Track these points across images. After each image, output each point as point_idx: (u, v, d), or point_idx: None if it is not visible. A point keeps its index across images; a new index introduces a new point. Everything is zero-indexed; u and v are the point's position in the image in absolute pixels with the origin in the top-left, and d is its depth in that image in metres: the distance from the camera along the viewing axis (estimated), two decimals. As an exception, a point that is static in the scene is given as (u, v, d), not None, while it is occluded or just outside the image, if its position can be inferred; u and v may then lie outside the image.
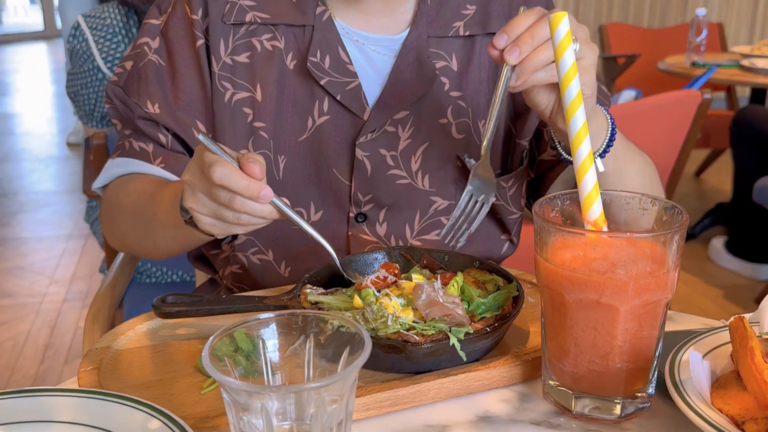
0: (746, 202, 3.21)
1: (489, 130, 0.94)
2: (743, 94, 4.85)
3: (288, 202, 0.86)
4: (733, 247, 3.45)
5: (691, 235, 3.77)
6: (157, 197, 1.03)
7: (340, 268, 0.92)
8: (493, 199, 0.97)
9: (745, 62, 3.66)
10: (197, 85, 1.10)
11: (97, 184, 1.16)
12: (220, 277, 1.21)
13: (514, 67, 0.87)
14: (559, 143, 1.03)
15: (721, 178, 4.58)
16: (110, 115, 1.16)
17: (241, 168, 0.81)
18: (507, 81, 0.88)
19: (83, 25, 2.26)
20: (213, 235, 0.93)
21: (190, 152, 1.13)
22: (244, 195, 0.81)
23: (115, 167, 1.14)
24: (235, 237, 1.14)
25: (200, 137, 0.82)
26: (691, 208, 4.13)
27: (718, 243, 3.53)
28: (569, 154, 0.97)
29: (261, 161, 0.82)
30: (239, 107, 1.08)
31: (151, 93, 1.10)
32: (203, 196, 0.84)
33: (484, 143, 0.95)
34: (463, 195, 0.97)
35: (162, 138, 1.11)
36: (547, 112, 0.94)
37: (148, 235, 1.08)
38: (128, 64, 1.13)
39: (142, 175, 1.11)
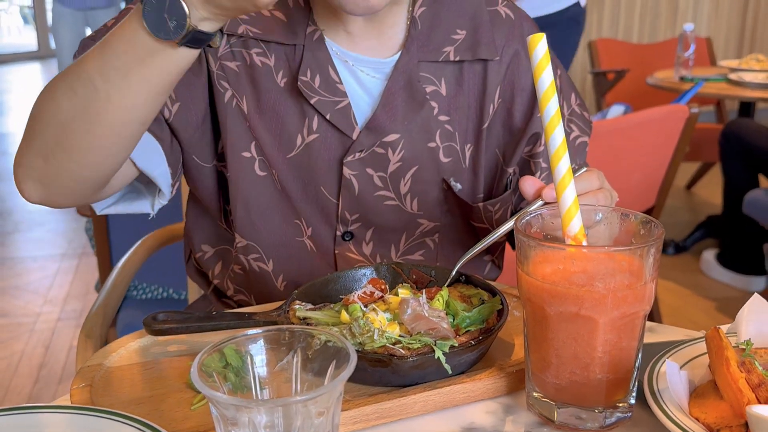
0: (737, 214, 3.24)
1: (476, 249, 0.95)
2: (732, 107, 4.89)
3: None
4: (724, 260, 3.47)
5: (682, 248, 3.80)
6: (109, 36, 0.86)
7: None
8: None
9: (733, 76, 3.70)
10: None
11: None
12: (220, 276, 1.22)
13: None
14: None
15: (711, 191, 4.61)
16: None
17: None
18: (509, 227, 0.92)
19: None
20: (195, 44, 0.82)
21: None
22: None
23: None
24: (233, 239, 1.15)
25: None
26: (682, 221, 4.16)
27: (709, 255, 3.55)
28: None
29: None
30: (238, 109, 1.09)
31: None
32: None
33: (462, 261, 0.94)
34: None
35: None
36: None
37: (91, 101, 0.87)
38: (110, 22, 1.06)
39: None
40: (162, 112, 1.06)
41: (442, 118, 1.12)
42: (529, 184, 0.91)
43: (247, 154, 1.10)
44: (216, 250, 1.22)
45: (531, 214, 0.81)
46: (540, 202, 0.90)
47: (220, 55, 1.09)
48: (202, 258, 1.23)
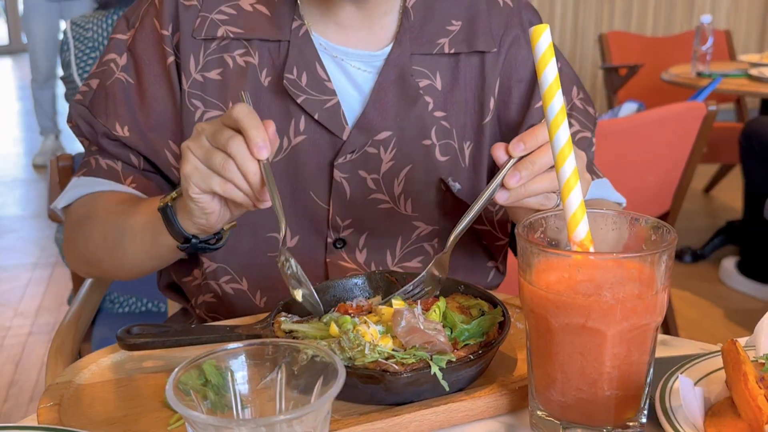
0: (758, 219, 3.24)
1: (463, 224, 0.93)
2: (753, 105, 4.90)
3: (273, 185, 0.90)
4: (745, 268, 3.47)
5: (700, 256, 3.80)
6: (134, 207, 1.07)
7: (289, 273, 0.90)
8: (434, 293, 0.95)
9: (754, 71, 3.71)
10: (169, 103, 1.11)
11: (60, 203, 1.17)
12: (192, 306, 1.22)
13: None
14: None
15: (731, 195, 4.62)
16: (74, 133, 1.17)
17: None
18: (494, 190, 0.91)
19: (69, 33, 2.30)
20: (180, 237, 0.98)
21: (162, 175, 1.14)
22: (249, 133, 0.87)
23: (80, 186, 1.15)
24: (201, 263, 1.15)
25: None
26: (700, 227, 4.16)
27: (729, 264, 3.55)
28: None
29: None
30: None
31: (120, 114, 1.11)
32: (206, 138, 0.90)
33: (452, 237, 0.93)
34: (417, 280, 0.95)
35: (134, 159, 1.13)
36: (518, 220, 1.00)
37: (117, 247, 1.09)
38: (94, 83, 1.14)
39: (113, 192, 1.13)
40: (173, 180, 1.15)
41: (438, 114, 1.12)
42: (501, 151, 0.91)
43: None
44: (188, 279, 1.22)
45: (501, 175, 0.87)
46: (512, 161, 0.90)
47: (200, 67, 1.10)
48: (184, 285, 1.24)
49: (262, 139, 0.88)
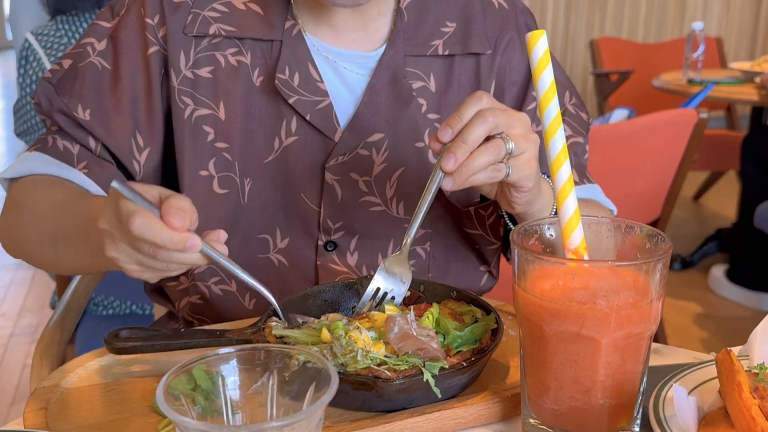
0: (749, 227, 3.26)
1: (415, 225, 0.93)
2: (744, 112, 4.93)
3: (222, 250, 0.83)
4: (734, 276, 3.49)
5: (690, 263, 3.82)
6: (74, 211, 1.00)
7: (281, 315, 0.90)
8: (402, 295, 0.95)
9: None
10: (142, 92, 1.10)
11: (5, 174, 1.12)
12: (177, 309, 1.22)
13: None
14: (505, 213, 1.10)
15: (721, 202, 4.65)
16: (36, 111, 1.14)
17: (162, 219, 0.78)
18: (440, 180, 0.89)
19: (35, 45, 2.27)
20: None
21: (119, 164, 1.11)
22: (168, 248, 0.78)
23: (32, 162, 1.11)
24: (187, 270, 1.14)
25: (114, 185, 0.79)
26: (689, 234, 4.19)
27: (718, 271, 3.57)
28: (514, 223, 1.07)
29: (184, 210, 0.79)
30: (200, 125, 1.10)
31: (84, 97, 1.09)
32: (125, 246, 0.82)
33: (408, 240, 0.94)
34: (370, 288, 0.95)
35: (92, 142, 1.10)
36: (492, 197, 1.00)
37: (54, 250, 1.04)
38: (66, 63, 1.13)
39: (60, 180, 1.08)
40: (131, 171, 1.12)
41: (432, 116, 1.12)
42: (434, 142, 0.90)
43: (204, 173, 1.10)
44: (173, 284, 1.20)
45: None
46: (446, 146, 0.89)
47: (190, 64, 1.09)
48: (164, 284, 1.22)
49: (184, 245, 0.78)
